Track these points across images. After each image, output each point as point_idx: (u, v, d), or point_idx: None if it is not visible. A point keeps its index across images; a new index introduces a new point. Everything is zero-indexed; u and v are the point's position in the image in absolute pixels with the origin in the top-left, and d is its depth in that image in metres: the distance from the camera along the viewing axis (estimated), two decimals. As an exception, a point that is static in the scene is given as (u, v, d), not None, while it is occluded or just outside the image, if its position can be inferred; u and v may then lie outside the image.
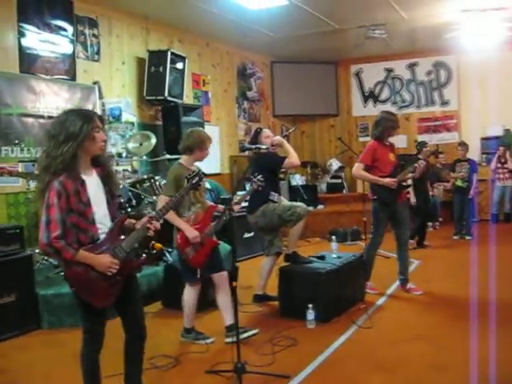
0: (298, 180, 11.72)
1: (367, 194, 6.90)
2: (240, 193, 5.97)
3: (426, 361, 4.16)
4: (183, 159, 4.75)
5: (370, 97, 13.14)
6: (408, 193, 8.31)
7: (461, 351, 4.31)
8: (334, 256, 5.84)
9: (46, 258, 6.26)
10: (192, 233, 4.48)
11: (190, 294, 4.74)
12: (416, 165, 6.05)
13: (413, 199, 8.85)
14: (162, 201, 4.44)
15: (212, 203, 5.01)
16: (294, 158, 5.72)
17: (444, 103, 12.59)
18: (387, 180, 5.87)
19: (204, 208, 4.71)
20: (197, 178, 3.89)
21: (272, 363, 4.17)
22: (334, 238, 6.54)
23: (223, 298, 4.69)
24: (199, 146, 4.67)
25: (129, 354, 3.36)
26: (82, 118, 3.00)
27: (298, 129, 12.57)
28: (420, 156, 7.80)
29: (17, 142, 6.61)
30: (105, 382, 3.38)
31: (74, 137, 2.95)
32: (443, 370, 3.97)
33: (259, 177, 5.05)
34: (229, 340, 4.54)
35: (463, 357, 4.18)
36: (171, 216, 4.39)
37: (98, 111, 7.75)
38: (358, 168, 6.05)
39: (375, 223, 6.11)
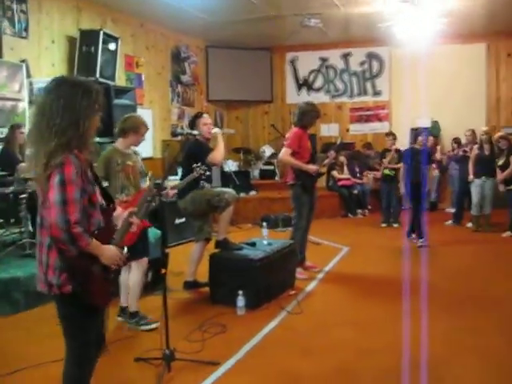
0: (230, 166, 11.71)
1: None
2: (176, 178, 5.91)
3: (354, 345, 4.27)
4: (118, 142, 4.77)
5: (304, 85, 13.23)
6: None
7: (387, 335, 4.46)
8: (265, 243, 5.87)
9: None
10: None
11: (134, 274, 4.73)
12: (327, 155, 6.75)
13: (402, 189, 9.08)
14: None
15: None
16: (217, 155, 5.69)
17: (376, 93, 12.84)
18: (311, 166, 6.30)
19: (137, 189, 4.69)
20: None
21: (201, 350, 4.18)
22: (264, 224, 6.57)
23: (133, 280, 4.75)
24: (134, 130, 4.71)
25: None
26: (97, 88, 2.69)
27: (235, 132, 12.93)
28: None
29: None
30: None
31: (93, 109, 2.63)
32: (370, 355, 4.08)
33: (203, 166, 5.10)
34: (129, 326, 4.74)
35: (390, 341, 4.33)
36: None
37: (26, 90, 7.48)
38: (285, 153, 6.34)
39: (298, 207, 6.37)
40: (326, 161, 6.81)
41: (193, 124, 5.77)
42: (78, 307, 2.62)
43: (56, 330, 3.34)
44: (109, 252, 2.64)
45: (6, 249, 6.01)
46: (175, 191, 5.07)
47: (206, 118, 5.84)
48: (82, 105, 2.56)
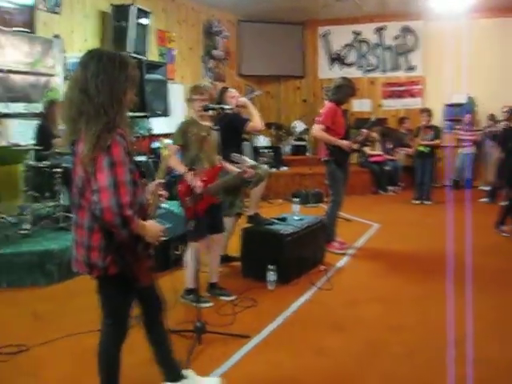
0: (262, 141, 11.68)
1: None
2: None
3: (383, 322, 4.27)
4: (191, 112, 4.84)
5: (337, 59, 13.07)
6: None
7: (418, 312, 4.44)
8: (296, 218, 5.87)
9: (3, 216, 6.15)
10: (195, 182, 4.41)
11: (192, 251, 4.53)
12: (360, 132, 6.60)
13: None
14: (170, 149, 4.72)
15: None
16: (257, 121, 5.65)
17: (409, 69, 12.62)
18: (345, 142, 6.24)
19: (211, 162, 4.67)
20: None
21: (232, 323, 4.22)
22: (296, 199, 6.55)
23: (212, 258, 4.86)
24: (195, 92, 4.72)
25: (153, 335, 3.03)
26: (132, 61, 2.63)
27: (263, 92, 12.47)
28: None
29: (-27, 95, 6.40)
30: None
31: (130, 83, 2.57)
32: (400, 331, 4.07)
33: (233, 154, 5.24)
34: (225, 298, 4.81)
35: (420, 317, 4.32)
36: (177, 165, 4.55)
37: (59, 65, 7.55)
38: (318, 129, 6.28)
39: (334, 183, 6.33)
40: (359, 138, 6.69)
41: (220, 100, 5.75)
42: (120, 287, 2.65)
43: (89, 302, 3.42)
44: (152, 229, 2.61)
45: (41, 222, 6.13)
46: (253, 171, 5.03)
47: (232, 92, 5.82)
48: (121, 79, 2.51)
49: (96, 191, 2.37)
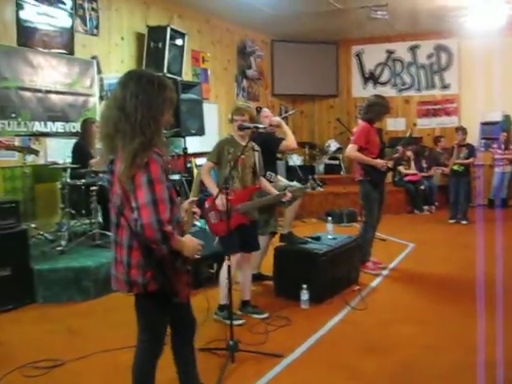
0: (295, 160, 11.70)
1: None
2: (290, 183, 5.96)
3: (419, 343, 4.19)
4: (234, 131, 4.80)
5: (370, 78, 13.06)
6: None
7: (453, 334, 4.36)
8: (330, 237, 5.84)
9: (41, 232, 6.27)
10: (218, 199, 4.41)
11: (224, 268, 4.48)
12: (396, 150, 6.48)
13: None
14: (205, 165, 4.78)
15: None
16: (291, 140, 5.68)
17: (444, 87, 12.52)
18: (380, 161, 6.12)
19: (243, 183, 4.66)
20: None
21: (265, 342, 4.20)
22: (329, 218, 6.53)
23: (247, 276, 4.91)
24: (236, 113, 4.73)
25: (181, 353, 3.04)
26: (170, 82, 2.70)
27: (297, 111, 12.51)
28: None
29: (13, 115, 6.56)
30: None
31: (168, 104, 2.63)
32: (435, 352, 4.00)
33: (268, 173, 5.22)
34: (257, 316, 4.81)
35: (455, 339, 4.24)
36: (207, 180, 4.64)
37: (96, 86, 7.71)
38: (352, 149, 6.19)
39: (368, 205, 6.23)
40: (394, 156, 6.57)
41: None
42: (159, 303, 2.67)
43: (124, 318, 3.46)
44: (190, 243, 2.62)
45: (77, 239, 6.22)
46: (292, 194, 4.91)
47: (266, 112, 5.86)
48: (159, 100, 2.56)
49: (136, 208, 2.42)
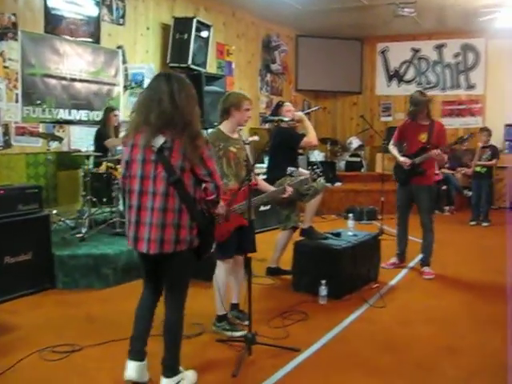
0: (316, 156, 11.65)
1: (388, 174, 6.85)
2: (263, 166, 5.85)
3: (437, 343, 4.15)
4: (223, 125, 4.36)
5: (395, 76, 12.95)
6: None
7: (471, 336, 4.30)
8: (350, 234, 5.81)
9: (62, 219, 6.32)
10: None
11: (218, 273, 4.22)
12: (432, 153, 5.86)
13: None
14: None
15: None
16: (312, 137, 5.63)
17: (470, 87, 12.38)
18: (402, 158, 6.00)
19: (238, 180, 4.25)
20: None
21: (282, 336, 4.18)
22: (350, 215, 6.48)
23: (237, 278, 4.50)
24: (236, 107, 4.29)
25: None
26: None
27: (320, 107, 12.37)
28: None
29: (39, 102, 6.62)
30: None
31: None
32: (454, 353, 3.96)
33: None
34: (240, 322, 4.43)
35: (473, 341, 4.18)
36: None
37: (121, 76, 7.74)
38: (390, 143, 6.25)
39: (396, 201, 6.26)
40: (424, 155, 5.94)
41: (276, 114, 5.75)
42: (193, 259, 3.23)
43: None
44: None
45: (98, 227, 6.26)
46: (291, 189, 4.56)
47: (289, 106, 5.82)
48: (195, 95, 3.22)
49: (208, 174, 3.11)
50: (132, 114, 3.28)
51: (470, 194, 10.54)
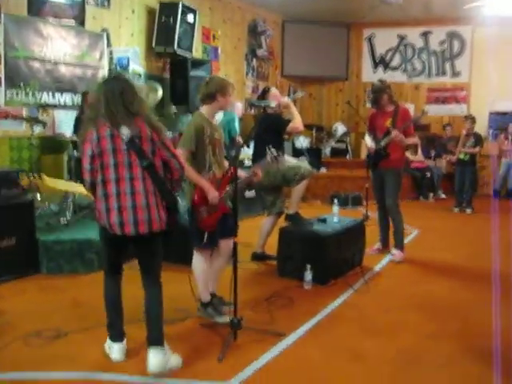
0: (302, 142, 11.65)
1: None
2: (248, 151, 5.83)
3: (421, 329, 4.19)
4: (204, 109, 4.21)
5: (381, 63, 12.96)
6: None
7: (456, 321, 4.34)
8: (335, 220, 5.83)
9: (46, 204, 6.27)
10: (213, 193, 4.01)
11: (198, 262, 4.23)
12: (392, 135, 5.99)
13: None
14: (184, 156, 3.88)
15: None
16: (298, 122, 5.64)
17: (455, 74, 12.43)
18: (369, 145, 6.33)
19: (221, 168, 4.20)
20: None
21: (267, 321, 4.20)
22: (336, 201, 6.50)
23: (220, 264, 4.33)
24: (221, 92, 4.15)
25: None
26: None
27: (306, 93, 12.37)
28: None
29: (22, 85, 6.53)
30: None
31: None
32: (437, 339, 3.99)
33: (273, 150, 4.35)
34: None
35: (458, 327, 4.22)
36: (191, 173, 3.99)
37: (106, 59, 7.66)
38: (366, 133, 6.56)
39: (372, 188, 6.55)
40: (386, 139, 6.06)
41: (262, 99, 5.74)
42: (167, 237, 3.44)
43: (127, 292, 3.48)
44: None
45: (82, 211, 6.22)
46: (260, 172, 4.41)
47: (275, 91, 5.80)
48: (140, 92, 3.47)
49: (171, 156, 3.36)
50: (86, 112, 3.49)
51: (444, 196, 10.76)
